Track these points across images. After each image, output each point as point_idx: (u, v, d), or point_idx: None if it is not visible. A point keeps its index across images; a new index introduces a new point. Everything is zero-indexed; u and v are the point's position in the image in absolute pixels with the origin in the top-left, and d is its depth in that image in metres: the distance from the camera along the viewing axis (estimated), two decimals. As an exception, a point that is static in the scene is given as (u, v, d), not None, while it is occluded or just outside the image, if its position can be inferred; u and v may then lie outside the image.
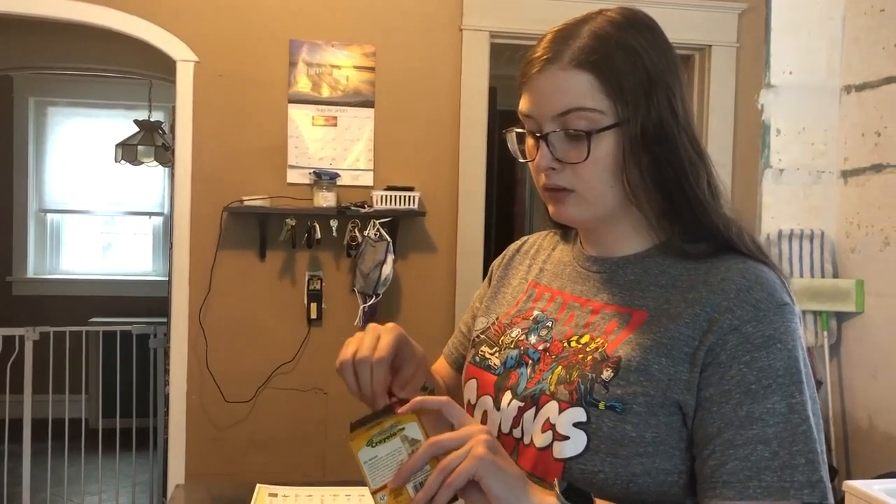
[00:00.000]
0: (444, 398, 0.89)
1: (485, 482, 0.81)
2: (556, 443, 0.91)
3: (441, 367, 1.24)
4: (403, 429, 0.87)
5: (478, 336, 1.10)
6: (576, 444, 0.89)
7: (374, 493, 0.86)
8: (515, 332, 1.04)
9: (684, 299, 0.92)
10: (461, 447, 0.83)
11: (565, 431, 0.90)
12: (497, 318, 1.10)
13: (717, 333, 0.88)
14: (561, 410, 0.92)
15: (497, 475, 0.81)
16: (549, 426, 0.92)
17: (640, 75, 0.92)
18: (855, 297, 3.20)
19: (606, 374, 0.90)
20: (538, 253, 1.15)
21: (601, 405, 0.89)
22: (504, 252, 1.22)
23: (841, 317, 3.30)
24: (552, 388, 0.94)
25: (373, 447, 0.86)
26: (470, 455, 0.82)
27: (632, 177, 0.93)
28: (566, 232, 1.13)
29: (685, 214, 0.95)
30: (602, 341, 0.94)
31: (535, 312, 1.05)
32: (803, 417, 0.86)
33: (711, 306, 0.89)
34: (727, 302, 0.89)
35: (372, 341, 0.95)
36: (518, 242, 1.21)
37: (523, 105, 0.97)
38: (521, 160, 1.00)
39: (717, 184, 0.97)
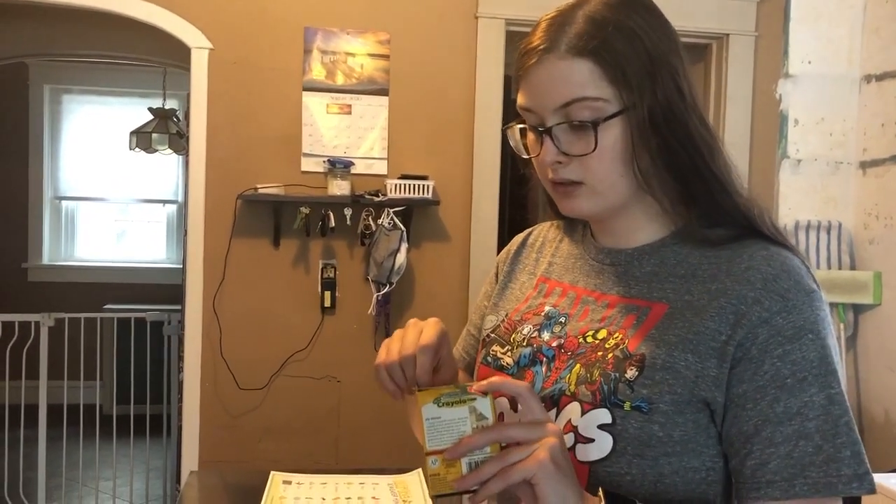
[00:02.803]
0: (525, 384, 0.85)
1: (540, 488, 0.78)
2: (579, 445, 0.88)
3: None
4: (475, 399, 0.83)
5: (488, 335, 1.06)
6: (601, 446, 0.86)
7: (427, 454, 0.83)
8: (527, 329, 1.00)
9: (707, 290, 0.88)
10: (528, 442, 0.80)
11: (589, 434, 0.87)
12: (507, 315, 1.05)
13: (746, 327, 0.84)
14: (584, 412, 0.88)
15: (554, 486, 0.78)
16: (570, 428, 0.89)
17: (642, 58, 0.87)
18: (872, 289, 3.17)
19: (631, 373, 0.86)
20: (544, 246, 1.11)
21: (626, 406, 0.85)
22: (508, 246, 1.17)
23: (858, 309, 3.27)
24: (572, 387, 0.90)
25: (438, 406, 0.83)
26: (533, 456, 0.79)
27: (643, 163, 0.89)
28: (570, 223, 1.09)
29: (702, 197, 0.92)
30: (621, 336, 0.90)
31: (547, 308, 1.01)
32: (844, 409, 0.84)
33: (738, 298, 0.85)
34: (754, 293, 0.85)
35: (415, 335, 0.92)
36: (522, 235, 1.16)
37: (522, 99, 0.92)
38: (525, 156, 0.96)
39: (730, 162, 0.93)
